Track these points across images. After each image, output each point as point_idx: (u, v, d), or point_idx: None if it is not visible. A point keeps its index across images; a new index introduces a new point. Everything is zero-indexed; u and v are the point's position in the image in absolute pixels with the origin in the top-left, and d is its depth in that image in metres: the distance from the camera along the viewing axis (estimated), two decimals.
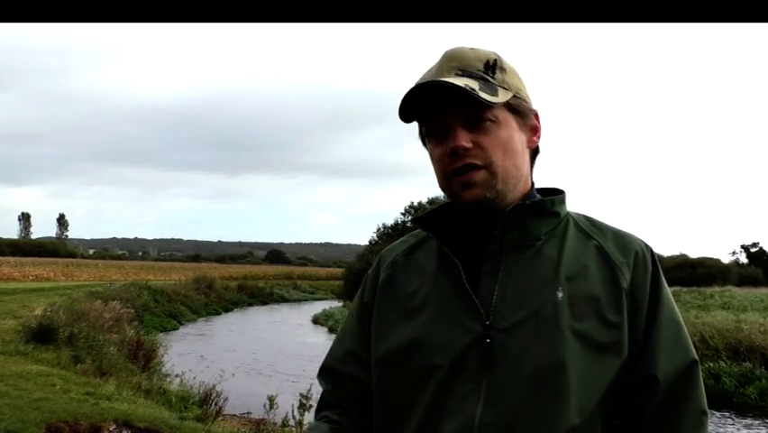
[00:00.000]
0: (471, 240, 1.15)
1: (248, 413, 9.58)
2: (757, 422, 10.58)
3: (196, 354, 16.01)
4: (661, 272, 1.14)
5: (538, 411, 1.03)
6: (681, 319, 1.14)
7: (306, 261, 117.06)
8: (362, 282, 1.30)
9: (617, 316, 1.08)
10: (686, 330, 1.14)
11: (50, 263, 44.66)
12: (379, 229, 36.88)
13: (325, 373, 1.29)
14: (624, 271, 1.11)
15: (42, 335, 10.03)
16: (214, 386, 9.02)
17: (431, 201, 31.75)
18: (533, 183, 1.20)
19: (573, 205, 1.21)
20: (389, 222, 36.40)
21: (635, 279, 1.11)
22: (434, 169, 1.16)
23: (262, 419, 8.06)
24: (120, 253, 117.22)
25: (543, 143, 1.20)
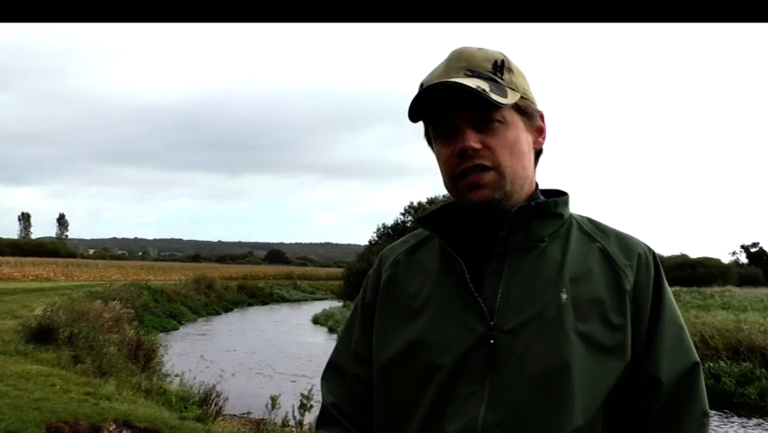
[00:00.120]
0: (474, 240, 1.15)
1: (248, 413, 9.58)
2: (754, 422, 10.57)
3: (196, 354, 16.02)
4: (663, 275, 1.15)
5: (542, 413, 1.03)
6: (682, 322, 1.14)
7: (306, 261, 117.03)
8: (363, 283, 1.29)
9: (621, 318, 1.08)
10: (688, 332, 1.14)
11: (50, 263, 44.64)
12: (378, 229, 36.90)
13: (329, 377, 1.28)
14: (627, 274, 1.11)
15: (42, 335, 10.02)
16: (214, 386, 9.01)
17: (430, 201, 31.76)
18: (537, 184, 1.20)
19: (574, 205, 1.21)
20: (389, 222, 36.43)
21: (639, 281, 1.11)
22: (441, 169, 1.16)
23: (262, 419, 8.06)
24: (120, 253, 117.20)
25: (544, 144, 1.20)
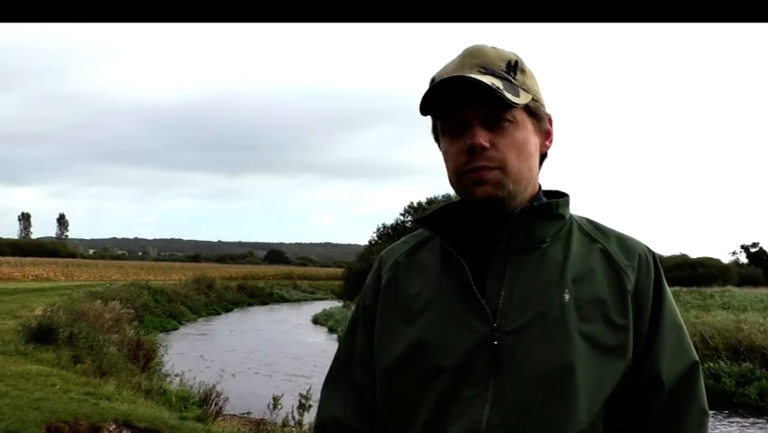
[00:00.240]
0: (475, 241, 1.15)
1: (248, 413, 9.58)
2: (751, 421, 10.57)
3: (196, 354, 16.02)
4: (663, 276, 1.15)
5: (546, 414, 1.03)
6: (682, 322, 1.15)
7: (306, 261, 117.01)
8: (363, 286, 1.28)
9: (623, 318, 1.08)
10: (687, 332, 1.15)
11: (50, 263, 44.65)
12: (378, 229, 36.91)
13: (331, 387, 1.27)
14: (628, 274, 1.11)
15: (42, 335, 10.02)
16: (214, 386, 9.01)
17: (430, 201, 31.76)
18: (540, 186, 1.19)
19: (575, 206, 1.21)
20: (389, 222, 36.44)
21: (639, 282, 1.11)
22: (447, 164, 1.15)
23: (262, 420, 8.05)
24: (120, 253, 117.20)
25: (550, 148, 1.21)
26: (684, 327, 1.15)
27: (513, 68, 1.12)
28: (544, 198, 1.18)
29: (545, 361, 1.05)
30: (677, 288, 31.24)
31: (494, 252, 1.12)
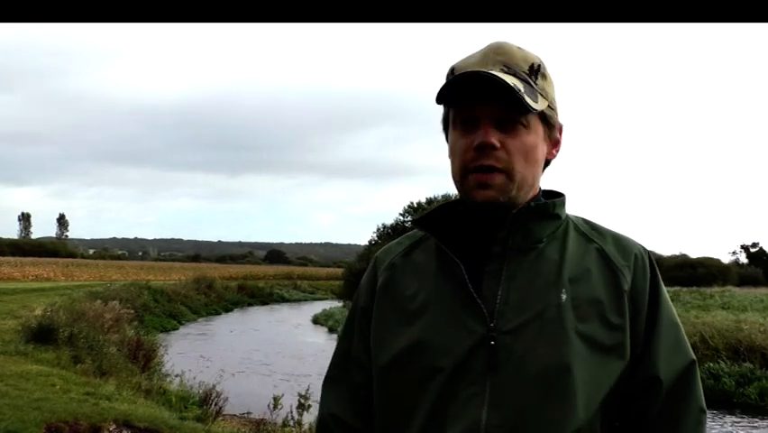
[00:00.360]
0: (471, 241, 1.15)
1: (248, 413, 9.58)
2: (746, 420, 10.57)
3: (196, 354, 16.01)
4: (659, 276, 1.15)
5: (544, 414, 1.03)
6: (679, 321, 1.15)
7: (306, 261, 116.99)
8: (358, 287, 1.29)
9: (620, 318, 1.08)
10: (684, 331, 1.15)
11: (50, 263, 44.66)
12: (378, 229, 36.89)
13: (329, 386, 1.27)
14: (625, 274, 1.11)
15: (42, 335, 10.02)
16: (214, 386, 9.01)
17: (429, 201, 31.75)
18: (540, 189, 1.19)
19: (575, 205, 1.21)
20: (389, 222, 36.42)
21: (636, 281, 1.12)
22: (452, 158, 1.15)
23: (262, 420, 8.05)
24: (120, 253, 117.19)
25: (556, 156, 1.20)
26: (681, 326, 1.15)
27: (535, 71, 1.12)
28: (542, 199, 1.18)
29: (542, 361, 1.05)
30: (677, 288, 31.27)
31: (490, 252, 1.12)
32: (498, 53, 1.11)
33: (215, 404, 8.66)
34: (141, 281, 29.95)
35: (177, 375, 10.65)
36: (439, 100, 1.12)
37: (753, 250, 69.61)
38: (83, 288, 24.01)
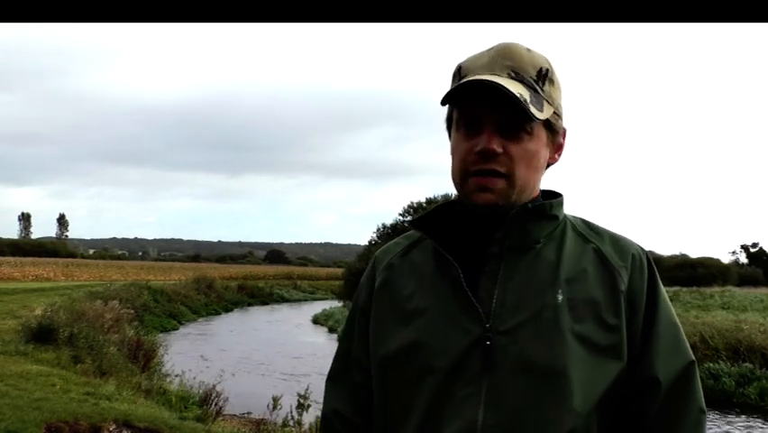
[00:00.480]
0: (469, 242, 1.15)
1: (248, 413, 9.58)
2: (750, 421, 10.57)
3: (196, 353, 16.02)
4: (657, 276, 1.15)
5: (540, 414, 1.03)
6: (678, 322, 1.15)
7: (306, 261, 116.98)
8: (358, 287, 1.29)
9: (616, 319, 1.08)
10: (683, 332, 1.15)
11: (50, 263, 44.63)
12: (378, 229, 36.89)
13: (331, 384, 1.29)
14: (622, 275, 1.11)
15: (42, 335, 10.02)
16: (214, 386, 9.02)
17: (429, 201, 31.76)
18: (540, 191, 1.19)
19: (575, 205, 1.20)
20: (389, 222, 36.42)
21: (633, 282, 1.11)
22: (453, 158, 1.15)
23: (262, 420, 8.06)
24: (120, 253, 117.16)
25: (559, 160, 1.20)
26: (680, 326, 1.15)
27: (543, 77, 1.11)
28: (541, 200, 1.18)
29: (538, 361, 1.05)
30: (677, 288, 31.24)
31: (487, 253, 1.12)
32: (506, 57, 1.11)
33: (215, 404, 8.67)
34: (141, 281, 29.97)
35: (177, 375, 10.66)
36: (444, 103, 1.12)
37: (753, 250, 69.63)
38: (83, 288, 24.02)
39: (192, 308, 28.74)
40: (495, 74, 1.08)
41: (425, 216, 1.22)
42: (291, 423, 7.28)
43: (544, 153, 1.14)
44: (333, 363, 1.30)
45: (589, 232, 1.17)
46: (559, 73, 1.17)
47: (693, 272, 51.39)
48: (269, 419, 7.78)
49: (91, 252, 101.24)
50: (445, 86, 1.18)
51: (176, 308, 26.76)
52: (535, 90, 1.09)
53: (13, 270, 37.33)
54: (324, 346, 18.44)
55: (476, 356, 1.07)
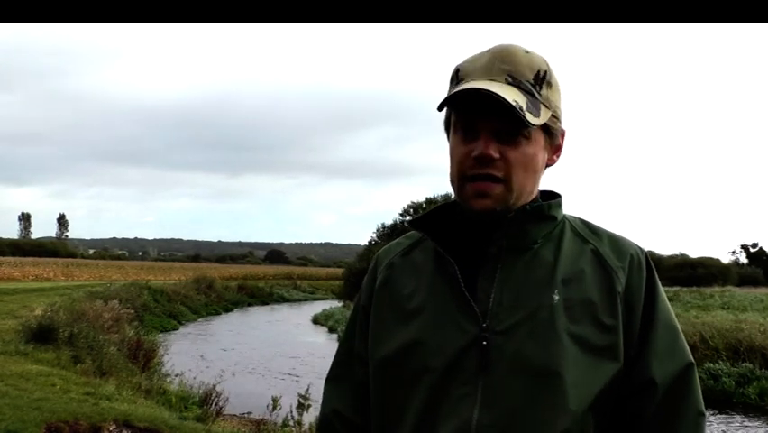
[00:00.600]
0: (468, 242, 1.15)
1: (248, 413, 9.59)
2: (749, 421, 10.58)
3: (196, 353, 16.03)
4: (656, 276, 1.15)
5: (535, 414, 1.04)
6: (677, 323, 1.15)
7: (306, 261, 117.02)
8: (361, 287, 1.30)
9: (612, 320, 1.08)
10: (682, 333, 1.14)
11: (50, 263, 44.63)
12: (378, 229, 36.92)
13: (332, 383, 1.29)
14: (619, 276, 1.11)
15: (42, 335, 10.03)
16: (214, 386, 9.02)
17: (429, 201, 31.78)
18: (539, 192, 1.19)
19: (574, 205, 1.19)
20: (389, 222, 36.45)
21: (630, 283, 1.11)
22: (451, 162, 1.15)
23: (262, 420, 8.07)
24: (120, 253, 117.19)
25: (557, 162, 1.20)
26: (679, 328, 1.14)
27: (540, 80, 1.11)
28: (540, 201, 1.18)
29: (533, 361, 1.05)
30: (677, 288, 31.24)
31: (485, 253, 1.12)
32: (503, 60, 1.10)
33: (215, 404, 8.67)
34: (141, 281, 29.97)
35: (177, 375, 10.67)
36: (441, 108, 1.12)
37: (753, 250, 69.70)
38: (83, 288, 24.02)
39: (192, 308, 28.75)
40: (491, 79, 1.08)
41: (425, 216, 1.22)
42: (291, 423, 7.28)
43: (542, 156, 1.14)
44: (333, 364, 1.31)
45: (587, 232, 1.17)
46: (558, 74, 1.16)
47: (693, 272, 51.45)
48: (269, 419, 7.78)
49: (91, 252, 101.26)
50: (445, 87, 1.18)
51: (176, 308, 26.77)
52: (532, 94, 1.09)
53: (13, 270, 37.34)
54: (323, 346, 18.45)
55: (472, 356, 1.07)
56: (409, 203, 35.13)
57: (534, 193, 1.17)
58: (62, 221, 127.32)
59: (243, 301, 37.26)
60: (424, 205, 32.42)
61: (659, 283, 1.15)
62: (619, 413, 1.09)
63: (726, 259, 67.41)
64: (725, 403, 11.31)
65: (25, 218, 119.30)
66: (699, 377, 1.14)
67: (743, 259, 70.22)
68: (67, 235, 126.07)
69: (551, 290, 1.09)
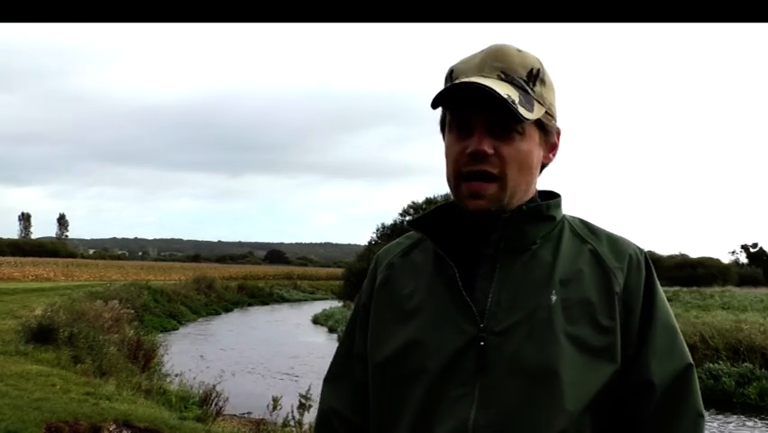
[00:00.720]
0: (467, 243, 1.15)
1: (248, 413, 9.59)
2: (747, 421, 10.58)
3: (196, 353, 16.03)
4: (655, 277, 1.15)
5: (532, 414, 1.04)
6: (675, 323, 1.14)
7: (306, 261, 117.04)
8: (361, 288, 1.30)
9: (610, 320, 1.08)
10: (681, 334, 1.14)
11: (50, 263, 44.64)
12: (378, 229, 36.93)
13: (331, 381, 1.29)
14: (617, 276, 1.11)
15: (42, 335, 10.02)
16: (214, 386, 9.02)
17: (429, 201, 31.78)
18: (536, 192, 1.19)
19: (574, 205, 1.19)
20: (389, 222, 36.46)
21: (629, 283, 1.11)
22: (447, 160, 1.15)
23: (262, 420, 8.06)
24: (120, 253, 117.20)
25: (553, 160, 1.20)
26: (678, 328, 1.14)
27: (533, 77, 1.11)
28: (538, 200, 1.18)
29: (531, 362, 1.05)
30: (677, 288, 31.22)
31: (483, 254, 1.12)
32: (496, 59, 1.11)
33: (215, 404, 8.67)
34: (141, 281, 29.96)
35: (177, 375, 10.67)
36: (434, 106, 1.12)
37: (753, 250, 69.71)
38: (83, 288, 24.02)
39: (192, 308, 28.75)
40: (484, 76, 1.08)
41: (425, 217, 1.22)
42: (292, 423, 7.28)
43: (537, 153, 1.14)
44: (332, 363, 1.31)
45: (586, 232, 1.17)
46: (552, 73, 1.16)
47: (693, 272, 51.48)
48: (269, 419, 7.78)
49: (91, 252, 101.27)
50: (441, 87, 1.18)
51: (176, 308, 26.76)
52: (525, 91, 1.09)
53: (13, 270, 37.35)
54: (323, 346, 18.44)
55: (470, 357, 1.07)
56: (409, 203, 35.17)
57: (531, 192, 1.16)
58: (62, 221, 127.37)
59: (243, 301, 37.25)
60: (423, 205, 32.43)
61: (658, 283, 1.15)
62: (618, 413, 1.09)
63: (726, 259, 67.54)
64: (725, 403, 11.30)
65: (25, 218, 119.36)
66: (700, 377, 1.14)
67: (743, 259, 70.32)
68: (67, 235, 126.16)
69: (549, 290, 1.09)
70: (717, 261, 60.35)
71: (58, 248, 74.78)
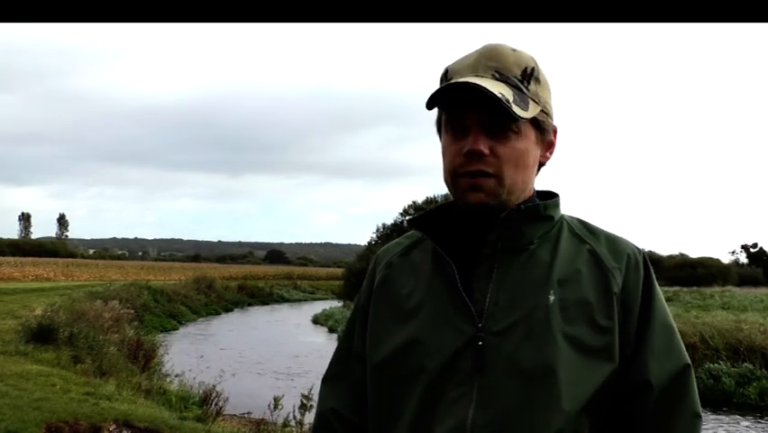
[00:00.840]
0: (466, 242, 1.15)
1: (248, 413, 9.59)
2: (747, 421, 10.57)
3: (196, 353, 16.01)
4: (653, 277, 1.14)
5: (529, 414, 1.04)
6: (673, 324, 1.14)
7: (306, 261, 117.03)
8: (361, 287, 1.30)
9: (608, 321, 1.08)
10: (679, 334, 1.14)
11: (50, 263, 44.63)
12: (378, 229, 36.93)
13: (329, 381, 1.29)
14: (615, 276, 1.11)
15: (42, 335, 10.02)
16: (214, 386, 9.02)
17: (428, 201, 31.78)
18: (534, 191, 1.19)
19: (573, 205, 1.19)
20: (389, 222, 36.47)
21: (627, 283, 1.11)
22: (444, 160, 1.16)
23: (262, 420, 8.06)
24: (120, 253, 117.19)
25: (550, 159, 1.20)
26: (676, 329, 1.14)
27: (528, 76, 1.11)
28: (537, 200, 1.18)
29: (528, 362, 1.05)
30: (677, 288, 31.22)
31: (481, 254, 1.12)
32: (490, 58, 1.11)
33: (215, 404, 8.66)
34: (141, 281, 29.96)
35: (177, 375, 10.66)
36: (429, 106, 1.12)
37: (753, 250, 69.70)
38: (83, 288, 24.01)
39: (192, 308, 28.74)
40: (478, 75, 1.09)
41: (425, 216, 1.22)
42: (293, 423, 7.28)
43: (534, 152, 1.14)
44: (331, 363, 1.31)
45: (585, 232, 1.17)
46: (548, 72, 1.16)
47: (693, 272, 51.49)
48: (269, 419, 7.78)
49: (91, 252, 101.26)
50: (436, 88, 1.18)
51: (176, 308, 26.76)
52: (520, 89, 1.09)
53: (13, 270, 37.34)
54: (323, 346, 18.44)
55: (468, 357, 1.07)
56: (409, 203, 35.16)
57: (529, 190, 1.17)
58: (62, 221, 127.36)
59: (243, 301, 37.24)
60: (424, 205, 32.42)
61: (656, 284, 1.15)
62: (615, 413, 1.09)
63: (726, 259, 67.57)
64: (725, 403, 11.29)
65: (25, 218, 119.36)
66: (699, 377, 1.14)
67: (743, 259, 70.33)
68: (67, 235, 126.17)
69: (547, 290, 1.09)
70: (717, 261, 60.40)
71: (58, 248, 74.78)
